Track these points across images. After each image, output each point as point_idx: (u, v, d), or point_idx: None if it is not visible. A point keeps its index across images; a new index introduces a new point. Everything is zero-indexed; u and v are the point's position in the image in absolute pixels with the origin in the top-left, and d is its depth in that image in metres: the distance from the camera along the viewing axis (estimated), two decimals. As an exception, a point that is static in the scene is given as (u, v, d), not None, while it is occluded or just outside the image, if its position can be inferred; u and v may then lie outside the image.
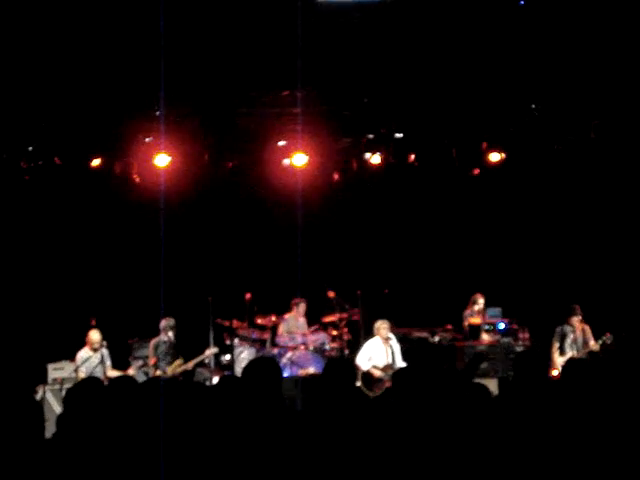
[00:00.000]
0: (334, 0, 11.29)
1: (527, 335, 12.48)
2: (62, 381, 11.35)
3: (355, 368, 11.67)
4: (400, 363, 12.06)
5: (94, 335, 11.44)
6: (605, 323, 12.35)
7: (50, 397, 11.35)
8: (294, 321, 13.02)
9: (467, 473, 4.49)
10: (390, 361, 12.07)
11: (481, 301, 12.85)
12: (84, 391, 4.75)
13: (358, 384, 11.78)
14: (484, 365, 11.65)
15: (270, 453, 4.50)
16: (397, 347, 12.24)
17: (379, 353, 12.14)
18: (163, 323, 12.01)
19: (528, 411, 4.92)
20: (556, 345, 12.08)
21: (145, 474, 4.42)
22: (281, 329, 12.96)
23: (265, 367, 5.00)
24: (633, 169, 12.90)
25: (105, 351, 11.49)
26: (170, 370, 11.84)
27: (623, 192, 13.34)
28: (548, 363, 11.39)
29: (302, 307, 13.01)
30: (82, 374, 11.02)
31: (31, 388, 11.22)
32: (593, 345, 12.06)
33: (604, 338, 11.93)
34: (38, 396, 11.14)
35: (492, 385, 9.91)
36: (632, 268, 13.42)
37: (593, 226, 13.74)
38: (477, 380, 8.41)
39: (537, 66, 11.65)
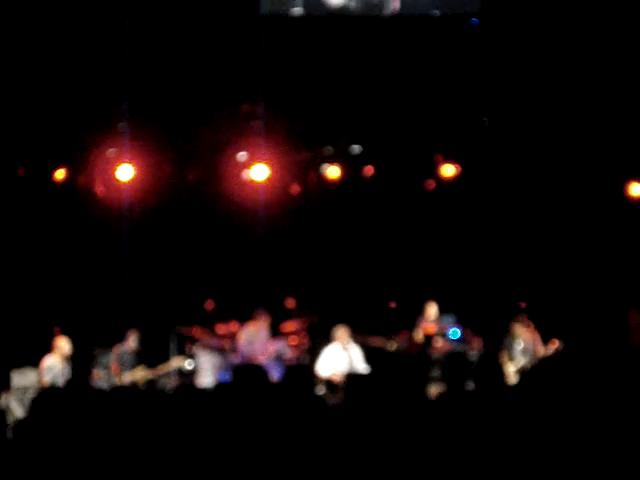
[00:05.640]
0: (295, 14, 11.50)
1: (480, 343, 12.70)
2: (25, 388, 11.36)
3: (315, 375, 11.90)
4: (361, 369, 12.03)
5: (66, 344, 11.39)
6: (557, 329, 12.65)
7: (13, 404, 11.32)
8: (255, 333, 12.98)
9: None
10: (350, 367, 12.08)
11: (434, 309, 12.94)
12: (48, 399, 4.73)
13: (322, 392, 11.86)
14: (437, 372, 11.78)
15: (228, 461, 4.54)
16: (358, 352, 12.33)
17: (339, 359, 12.21)
18: (129, 332, 12.15)
19: (489, 418, 4.99)
20: (505, 354, 12.24)
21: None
22: (241, 338, 12.95)
23: (254, 374, 5.13)
24: (582, 181, 13.23)
25: (67, 363, 11.45)
26: (130, 377, 11.93)
27: (576, 203, 13.65)
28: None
29: (265, 320, 12.98)
30: (46, 382, 11.02)
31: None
32: (542, 351, 12.23)
33: (555, 345, 12.18)
34: (1, 403, 11.22)
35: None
36: (584, 275, 13.75)
37: (546, 235, 14.00)
38: (430, 386, 8.67)
39: (489, 80, 12.00)
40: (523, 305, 13.24)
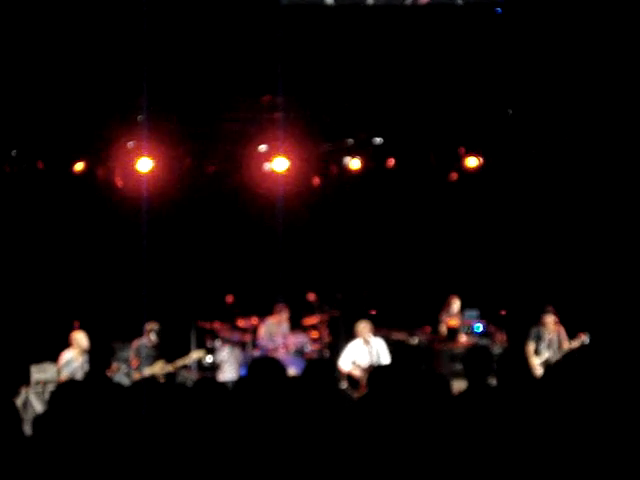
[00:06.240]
0: (326, 3, 11.40)
1: (504, 337, 12.66)
2: (45, 383, 11.45)
3: (338, 370, 11.83)
4: (386, 362, 11.85)
5: (83, 338, 11.37)
6: (582, 323, 12.57)
7: (33, 399, 11.39)
8: (276, 326, 13.03)
9: (449, 473, 4.60)
10: (373, 361, 12.01)
11: (457, 303, 12.98)
12: (67, 393, 4.81)
13: (344, 386, 11.82)
14: (459, 366, 11.73)
15: (249, 455, 4.55)
16: (382, 347, 12.22)
17: (361, 354, 12.16)
18: (147, 326, 12.14)
19: (514, 412, 5.05)
20: (532, 346, 12.23)
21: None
22: (262, 332, 13.01)
23: (270, 368, 5.11)
24: (606, 172, 13.13)
25: (85, 357, 11.36)
26: (149, 371, 11.87)
27: (599, 195, 13.56)
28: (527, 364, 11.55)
29: (285, 313, 13.02)
30: (65, 376, 11.04)
31: (14, 390, 11.29)
32: (568, 345, 12.20)
33: (582, 338, 12.11)
34: (21, 398, 11.18)
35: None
36: (608, 269, 13.64)
37: (570, 228, 13.93)
38: (453, 381, 8.57)
39: (513, 71, 11.89)
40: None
